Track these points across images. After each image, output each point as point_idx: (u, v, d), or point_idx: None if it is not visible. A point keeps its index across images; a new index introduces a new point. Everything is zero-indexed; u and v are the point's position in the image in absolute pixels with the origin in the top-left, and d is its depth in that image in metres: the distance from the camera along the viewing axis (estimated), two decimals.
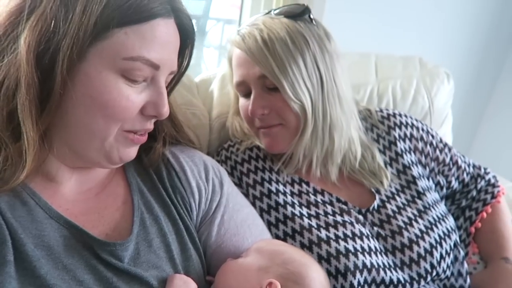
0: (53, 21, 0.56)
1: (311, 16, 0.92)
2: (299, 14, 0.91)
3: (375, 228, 0.92)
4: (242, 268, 0.71)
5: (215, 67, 2.03)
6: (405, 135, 1.07)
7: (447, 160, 1.10)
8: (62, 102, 0.59)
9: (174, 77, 0.73)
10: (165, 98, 0.65)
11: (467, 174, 1.13)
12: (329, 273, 0.83)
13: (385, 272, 0.85)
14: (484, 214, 1.08)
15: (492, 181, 1.15)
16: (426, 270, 0.88)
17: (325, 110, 0.90)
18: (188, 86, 1.08)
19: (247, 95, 0.93)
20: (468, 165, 1.15)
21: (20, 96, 0.56)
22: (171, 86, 0.75)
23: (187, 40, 0.70)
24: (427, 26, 1.75)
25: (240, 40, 0.89)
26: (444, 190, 1.10)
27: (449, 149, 1.12)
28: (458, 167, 1.12)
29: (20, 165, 0.58)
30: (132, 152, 0.68)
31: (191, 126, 1.01)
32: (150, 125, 0.68)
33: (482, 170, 1.16)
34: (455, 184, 1.11)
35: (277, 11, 0.93)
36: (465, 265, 0.96)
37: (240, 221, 0.79)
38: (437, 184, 1.08)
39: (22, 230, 0.59)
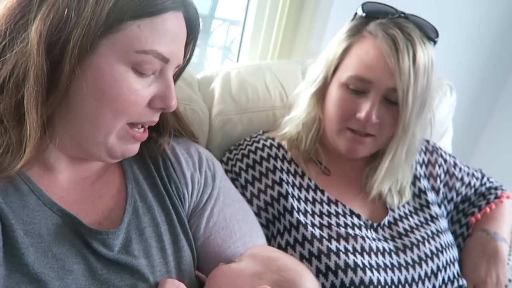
0: (65, 11, 0.56)
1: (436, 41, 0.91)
2: (434, 39, 0.90)
3: (388, 242, 0.92)
4: (235, 273, 0.70)
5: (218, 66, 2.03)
6: (423, 160, 1.08)
7: (458, 185, 1.10)
8: (71, 94, 0.59)
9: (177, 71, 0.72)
10: (173, 90, 0.65)
11: (475, 190, 1.14)
12: (332, 285, 0.83)
13: None
14: (488, 210, 1.08)
15: (496, 184, 1.16)
16: None
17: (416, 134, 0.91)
18: (189, 82, 1.07)
19: (357, 92, 0.88)
20: (482, 184, 1.15)
21: (28, 86, 0.56)
22: (173, 79, 0.74)
23: (191, 34, 0.70)
24: None
25: (391, 43, 0.84)
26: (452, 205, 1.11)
27: (460, 169, 1.12)
28: (467, 186, 1.12)
29: (19, 155, 0.58)
30: (134, 148, 0.68)
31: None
32: (156, 118, 0.68)
33: (494, 183, 1.17)
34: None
35: (415, 25, 0.88)
36: None
37: (229, 215, 0.79)
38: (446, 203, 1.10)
39: (13, 216, 0.59)
